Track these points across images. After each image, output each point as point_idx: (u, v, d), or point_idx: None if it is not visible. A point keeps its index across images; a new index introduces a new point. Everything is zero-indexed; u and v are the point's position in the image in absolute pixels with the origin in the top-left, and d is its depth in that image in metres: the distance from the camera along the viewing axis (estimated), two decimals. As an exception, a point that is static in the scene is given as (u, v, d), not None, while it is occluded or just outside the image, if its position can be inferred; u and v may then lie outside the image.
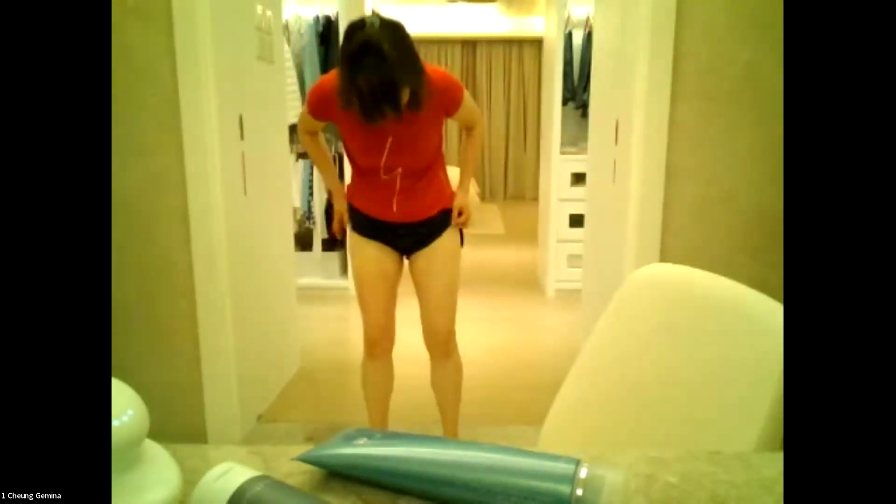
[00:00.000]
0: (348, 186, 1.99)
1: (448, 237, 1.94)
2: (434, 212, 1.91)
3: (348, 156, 1.90)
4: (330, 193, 2.84)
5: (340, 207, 2.03)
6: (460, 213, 1.95)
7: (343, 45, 1.59)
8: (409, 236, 1.93)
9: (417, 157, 1.83)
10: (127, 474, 0.47)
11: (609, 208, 2.57)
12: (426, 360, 2.10)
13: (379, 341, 2.02)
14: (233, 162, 2.31)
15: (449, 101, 1.81)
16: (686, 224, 2.19)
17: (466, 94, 1.86)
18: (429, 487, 0.51)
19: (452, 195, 1.97)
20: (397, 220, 1.89)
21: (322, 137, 2.02)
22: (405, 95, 1.59)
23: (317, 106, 1.82)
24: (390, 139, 1.75)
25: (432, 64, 1.80)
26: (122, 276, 2.21)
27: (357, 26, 1.56)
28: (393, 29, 1.57)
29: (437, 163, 1.91)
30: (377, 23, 1.55)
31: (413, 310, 2.07)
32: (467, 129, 2.00)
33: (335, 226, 2.06)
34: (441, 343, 2.03)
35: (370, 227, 1.92)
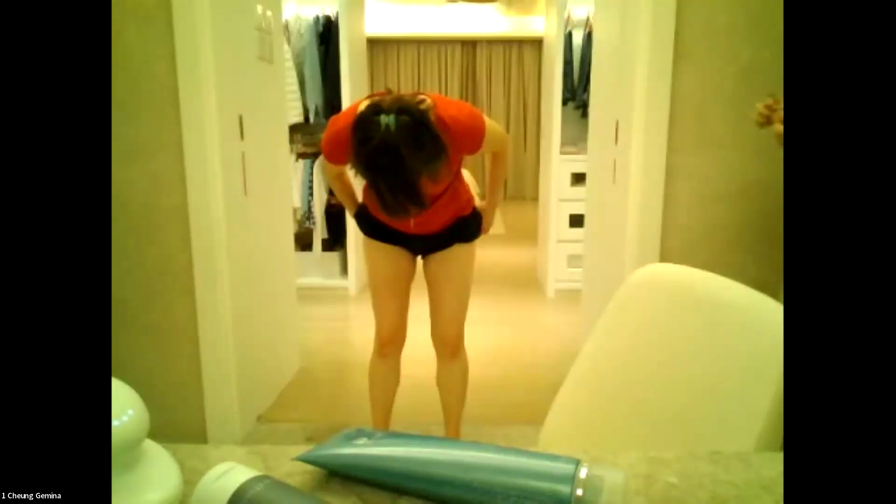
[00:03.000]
0: (364, 190, 1.90)
1: (464, 244, 1.94)
2: (451, 222, 1.89)
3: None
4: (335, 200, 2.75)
5: None
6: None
7: (357, 139, 1.47)
8: (423, 242, 1.92)
9: (433, 192, 1.76)
10: (127, 474, 0.47)
11: (609, 208, 2.57)
12: (430, 360, 2.10)
13: (391, 341, 2.02)
14: (233, 162, 2.31)
15: (468, 147, 1.70)
16: (686, 224, 2.19)
17: (488, 128, 1.71)
18: (429, 487, 0.51)
19: (469, 201, 1.94)
20: (413, 232, 1.87)
21: (347, 175, 1.93)
22: (426, 180, 1.51)
23: (333, 156, 1.72)
24: None
25: (446, 97, 1.70)
26: (122, 275, 2.21)
27: (372, 122, 1.45)
28: (409, 124, 1.45)
29: (455, 178, 1.87)
30: (393, 124, 1.43)
31: (421, 310, 2.07)
32: (492, 153, 1.93)
33: None
34: (449, 344, 2.03)
35: (384, 232, 1.90)
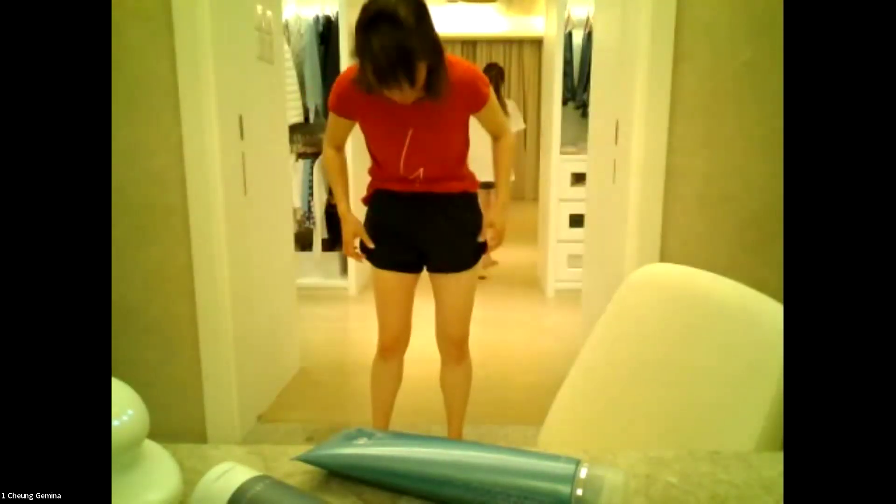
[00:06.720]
0: (371, 170, 1.91)
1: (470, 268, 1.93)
2: (457, 192, 1.85)
3: (371, 155, 1.86)
4: (334, 210, 2.75)
5: (352, 228, 1.90)
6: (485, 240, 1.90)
7: (359, 16, 1.52)
8: (431, 238, 1.87)
9: (439, 156, 1.78)
10: (127, 474, 0.47)
11: (609, 208, 2.57)
12: (430, 360, 2.10)
13: (393, 345, 2.02)
14: (233, 162, 2.30)
15: (472, 95, 1.74)
16: (686, 224, 2.19)
17: (493, 96, 1.80)
18: (429, 487, 0.51)
19: (475, 183, 1.92)
20: (420, 190, 1.82)
21: (346, 155, 1.97)
22: (422, 69, 1.53)
23: (339, 99, 1.77)
24: (411, 131, 1.71)
25: (455, 56, 1.74)
26: (122, 276, 2.21)
27: None
28: (410, 1, 1.52)
29: (464, 148, 1.86)
30: None
31: (424, 310, 2.07)
32: (494, 138, 1.92)
33: (348, 248, 1.93)
34: (454, 347, 2.03)
35: (389, 236, 1.89)
